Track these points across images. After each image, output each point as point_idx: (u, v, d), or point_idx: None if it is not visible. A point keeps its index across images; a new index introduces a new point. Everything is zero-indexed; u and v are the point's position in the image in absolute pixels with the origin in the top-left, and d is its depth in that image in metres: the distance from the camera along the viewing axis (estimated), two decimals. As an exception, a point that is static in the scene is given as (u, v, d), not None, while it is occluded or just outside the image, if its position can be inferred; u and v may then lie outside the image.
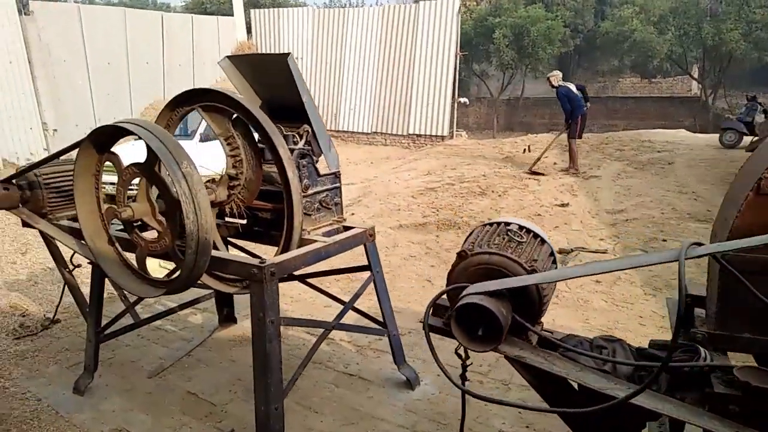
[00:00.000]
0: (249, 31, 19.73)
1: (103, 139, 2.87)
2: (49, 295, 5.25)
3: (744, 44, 21.38)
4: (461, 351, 2.01)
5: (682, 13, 22.82)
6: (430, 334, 2.03)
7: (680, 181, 9.20)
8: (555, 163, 10.82)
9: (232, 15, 19.79)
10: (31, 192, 3.56)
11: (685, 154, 10.93)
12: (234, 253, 3.48)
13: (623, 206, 8.06)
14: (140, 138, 2.55)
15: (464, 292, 1.91)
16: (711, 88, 24.30)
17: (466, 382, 2.08)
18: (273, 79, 3.43)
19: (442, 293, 2.06)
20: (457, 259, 2.10)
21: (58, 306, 4.61)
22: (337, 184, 3.43)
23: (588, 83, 19.95)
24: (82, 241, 3.20)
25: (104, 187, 3.06)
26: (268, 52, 18.51)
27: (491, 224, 2.22)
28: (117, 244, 3.02)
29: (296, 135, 3.32)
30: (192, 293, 3.66)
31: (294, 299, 5.01)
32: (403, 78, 16.32)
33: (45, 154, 12.85)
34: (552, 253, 2.20)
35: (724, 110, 22.48)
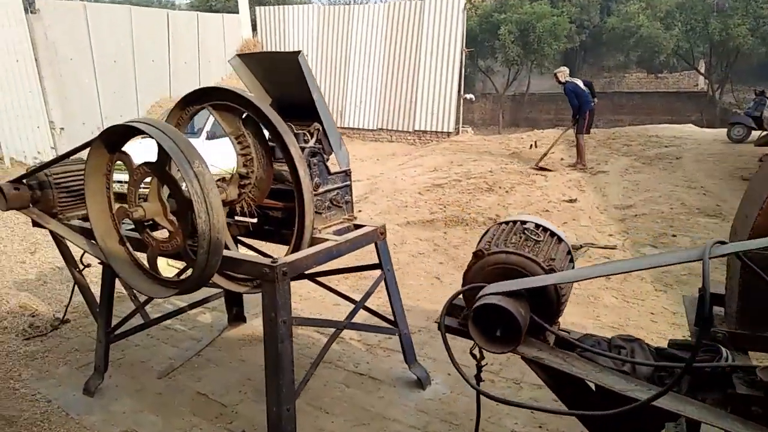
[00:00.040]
0: (254, 28, 19.71)
1: (115, 138, 2.85)
2: (58, 294, 5.24)
3: (751, 39, 21.22)
4: (476, 351, 1.99)
5: (689, 8, 22.64)
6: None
7: (688, 176, 9.15)
8: (562, 159, 10.77)
9: (238, 12, 19.78)
10: (42, 192, 3.55)
11: (693, 149, 10.87)
12: (244, 252, 3.47)
13: (632, 201, 8.02)
14: (152, 137, 2.53)
15: (481, 293, 1.88)
16: (718, 83, 24.13)
17: (480, 383, 2.06)
18: (283, 77, 3.41)
19: (458, 293, 2.03)
20: (473, 258, 2.07)
21: (67, 306, 4.61)
22: (348, 182, 3.41)
23: (594, 79, 19.84)
24: (93, 241, 3.19)
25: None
26: (273, 49, 18.51)
27: (507, 223, 2.20)
28: (128, 244, 3.01)
29: (307, 133, 3.30)
30: (201, 292, 3.63)
31: (303, 297, 5.00)
32: (409, 74, 16.25)
33: (52, 153, 12.89)
34: (569, 252, 2.17)
35: (731, 105, 22.32)
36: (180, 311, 4.05)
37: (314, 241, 2.98)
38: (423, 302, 4.99)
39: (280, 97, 3.58)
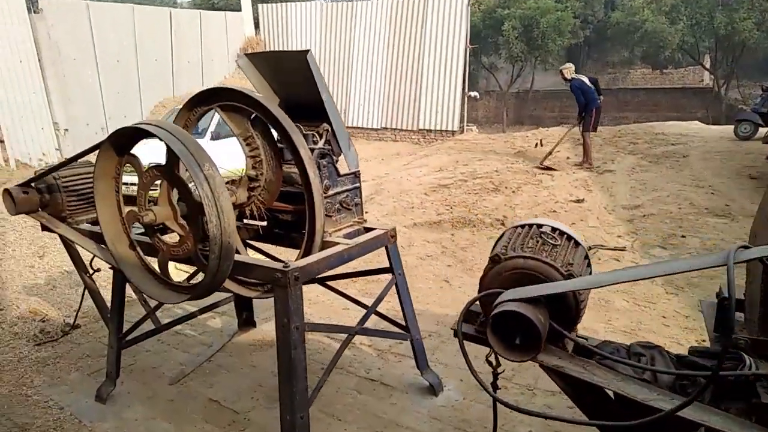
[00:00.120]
0: (257, 26, 19.69)
1: (123, 141, 2.82)
2: (67, 299, 5.21)
3: (757, 33, 21.10)
4: (491, 358, 1.95)
5: (694, 2, 22.51)
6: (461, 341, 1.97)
7: (696, 174, 9.08)
8: (568, 158, 10.71)
9: (240, 10, 19.76)
10: (50, 195, 3.51)
11: (700, 147, 10.78)
12: (254, 256, 3.44)
13: (640, 201, 7.96)
14: (161, 140, 2.50)
15: (499, 299, 1.85)
16: (723, 79, 23.99)
17: (496, 390, 2.03)
18: (291, 77, 3.36)
19: (475, 299, 2.00)
20: (489, 263, 2.04)
21: (78, 311, 4.59)
22: (357, 184, 3.36)
23: (598, 75, 19.75)
24: (103, 246, 3.16)
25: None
26: (276, 47, 18.47)
27: (522, 226, 2.16)
28: (138, 249, 2.98)
29: (316, 134, 3.25)
30: (211, 297, 3.60)
31: (312, 301, 4.97)
32: (413, 72, 16.19)
33: (57, 155, 12.86)
34: (586, 256, 2.13)
35: (737, 101, 22.18)
36: (190, 316, 4.02)
37: (325, 245, 2.95)
38: (432, 306, 4.96)
39: (287, 97, 3.52)
